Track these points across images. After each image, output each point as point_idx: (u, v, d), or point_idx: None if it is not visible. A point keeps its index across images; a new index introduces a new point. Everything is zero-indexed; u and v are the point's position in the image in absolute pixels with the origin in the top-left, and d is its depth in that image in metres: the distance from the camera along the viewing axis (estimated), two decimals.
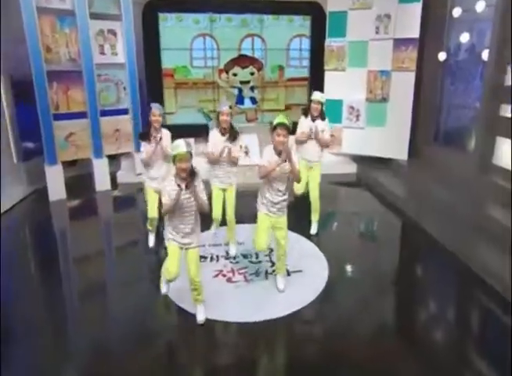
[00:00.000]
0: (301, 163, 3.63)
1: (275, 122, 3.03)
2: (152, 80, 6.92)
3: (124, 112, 6.51)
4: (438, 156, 6.29)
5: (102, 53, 6.14)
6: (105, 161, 6.34)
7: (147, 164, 3.87)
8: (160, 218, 3.74)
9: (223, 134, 3.83)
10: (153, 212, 4.01)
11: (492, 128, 5.06)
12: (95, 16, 5.89)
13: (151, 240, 4.35)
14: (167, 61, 7.05)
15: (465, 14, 5.78)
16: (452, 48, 6.44)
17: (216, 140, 3.82)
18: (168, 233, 2.98)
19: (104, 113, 6.23)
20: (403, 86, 6.51)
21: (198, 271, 3.05)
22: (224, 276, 3.76)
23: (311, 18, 7.31)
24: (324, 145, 4.32)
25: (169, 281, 3.18)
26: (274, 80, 7.53)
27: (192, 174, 2.79)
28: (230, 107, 3.86)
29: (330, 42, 6.99)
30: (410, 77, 6.46)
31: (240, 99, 7.50)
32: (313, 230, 4.56)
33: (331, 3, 6.88)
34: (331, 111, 6.78)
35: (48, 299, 3.64)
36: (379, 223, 5.34)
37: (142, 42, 6.68)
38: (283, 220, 3.35)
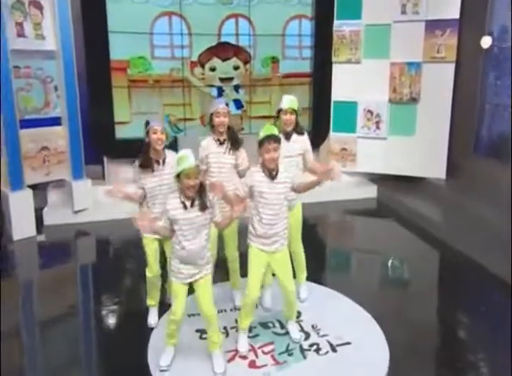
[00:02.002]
0: None
1: (261, 135, 2.95)
2: (95, 76, 6.11)
3: (56, 122, 5.68)
4: (482, 171, 5.85)
5: (22, 35, 5.25)
6: (27, 194, 5.28)
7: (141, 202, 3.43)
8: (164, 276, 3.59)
9: (221, 142, 3.42)
10: (153, 269, 3.52)
11: None
12: None
13: (152, 317, 3.65)
14: (118, 50, 6.21)
15: None
16: (497, 32, 5.93)
17: (210, 151, 3.44)
18: (172, 267, 2.96)
19: (25, 124, 5.39)
20: (439, 82, 5.99)
21: (211, 303, 2.95)
22: (243, 358, 3.17)
23: None
24: (312, 172, 3.49)
25: (172, 327, 2.98)
26: (266, 76, 6.92)
27: (200, 191, 2.78)
28: (227, 105, 3.51)
29: (341, 26, 6.45)
30: (448, 71, 5.93)
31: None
32: (302, 294, 3.93)
33: None
34: (342, 117, 6.59)
35: None
36: (422, 263, 4.87)
37: (81, 22, 5.85)
38: (283, 255, 3.16)
